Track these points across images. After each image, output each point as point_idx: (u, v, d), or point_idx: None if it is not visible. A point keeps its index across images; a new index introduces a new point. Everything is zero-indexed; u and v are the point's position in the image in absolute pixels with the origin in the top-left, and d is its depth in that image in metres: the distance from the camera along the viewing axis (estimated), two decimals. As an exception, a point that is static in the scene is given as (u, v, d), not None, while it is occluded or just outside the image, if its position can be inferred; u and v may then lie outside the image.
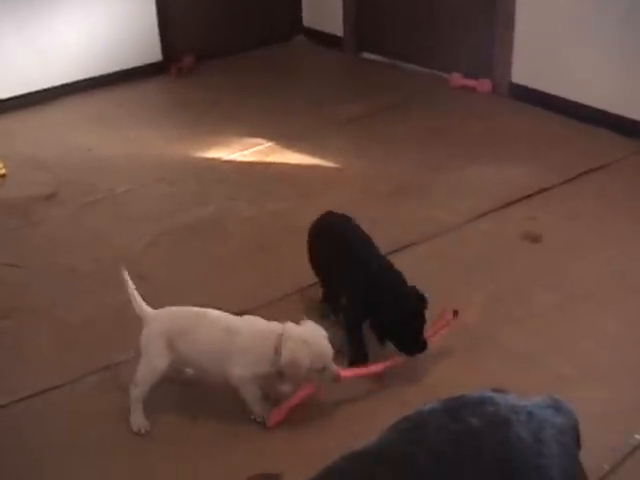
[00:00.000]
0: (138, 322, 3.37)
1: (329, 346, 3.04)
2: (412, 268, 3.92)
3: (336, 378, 3.03)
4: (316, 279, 3.74)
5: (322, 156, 5.15)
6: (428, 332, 3.28)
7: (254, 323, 3.16)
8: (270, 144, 5.37)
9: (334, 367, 3.03)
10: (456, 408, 1.99)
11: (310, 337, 3.05)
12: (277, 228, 4.38)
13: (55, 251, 4.38)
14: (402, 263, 3.96)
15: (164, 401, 3.05)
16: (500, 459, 1.90)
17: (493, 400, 2.00)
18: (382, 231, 4.23)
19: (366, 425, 2.88)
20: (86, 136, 5.72)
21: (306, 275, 3.86)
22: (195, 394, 3.23)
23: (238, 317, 3.16)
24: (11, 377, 3.46)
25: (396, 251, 4.07)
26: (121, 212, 4.70)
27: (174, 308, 3.21)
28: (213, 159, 5.24)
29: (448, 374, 3.28)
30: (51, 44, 6.22)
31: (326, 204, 4.51)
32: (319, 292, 3.71)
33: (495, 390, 2.08)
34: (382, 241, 4.12)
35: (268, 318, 3.61)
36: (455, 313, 3.36)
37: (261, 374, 3.03)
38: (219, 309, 3.18)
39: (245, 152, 5.29)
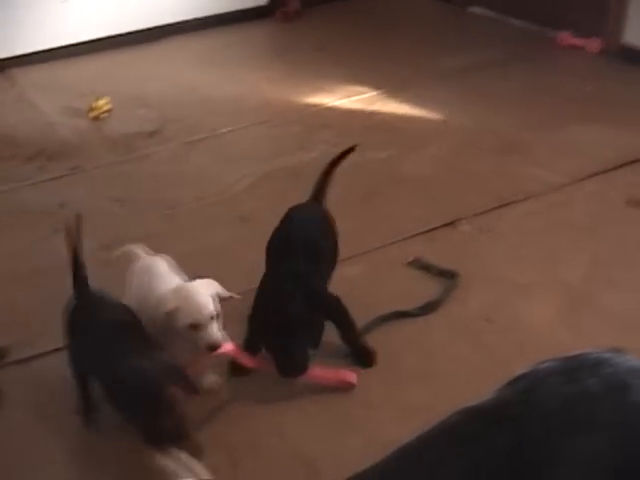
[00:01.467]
0: (238, 262, 3.42)
1: (206, 302, 2.75)
2: (515, 225, 3.93)
3: (211, 343, 2.73)
4: (416, 231, 3.81)
5: (426, 107, 5.11)
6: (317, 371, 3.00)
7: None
8: (374, 93, 5.35)
9: (212, 332, 2.73)
10: (573, 368, 1.95)
11: (188, 287, 2.83)
12: (380, 177, 4.38)
13: (157, 187, 4.47)
14: (505, 220, 3.97)
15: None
16: (614, 425, 1.85)
17: (611, 361, 1.94)
18: (485, 186, 4.23)
19: (467, 383, 2.94)
20: (191, 75, 5.78)
21: (407, 227, 3.88)
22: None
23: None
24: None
25: (499, 207, 4.05)
26: (224, 152, 4.75)
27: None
28: (317, 104, 5.25)
29: (548, 333, 3.24)
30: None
31: (429, 155, 4.54)
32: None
33: (613, 350, 2.03)
34: (485, 197, 4.12)
35: (365, 267, 3.67)
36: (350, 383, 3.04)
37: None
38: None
39: (349, 99, 5.29)
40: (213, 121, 5.07)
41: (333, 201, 4.14)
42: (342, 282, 3.49)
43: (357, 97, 5.31)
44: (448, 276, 3.54)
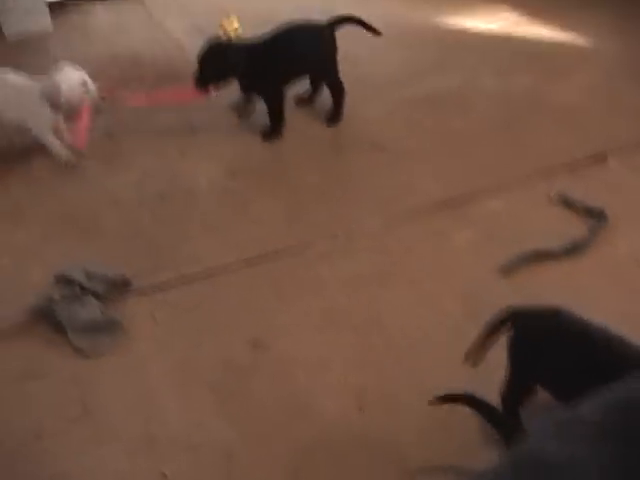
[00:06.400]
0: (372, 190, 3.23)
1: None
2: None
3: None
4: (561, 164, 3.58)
5: (575, 32, 4.77)
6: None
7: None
8: (519, 15, 5.04)
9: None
10: None
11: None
12: (523, 105, 4.11)
13: (288, 110, 4.26)
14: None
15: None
16: None
17: None
18: (638, 119, 3.91)
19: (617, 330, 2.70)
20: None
21: (551, 159, 3.64)
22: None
23: None
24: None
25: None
26: (357, 74, 4.51)
27: None
28: (456, 26, 4.99)
29: None
30: None
31: (576, 84, 4.27)
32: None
33: None
34: (638, 131, 3.79)
35: (505, 201, 3.44)
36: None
37: None
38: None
39: (490, 21, 5.00)
40: (346, 44, 4.83)
41: (472, 128, 3.93)
42: (482, 216, 3.37)
43: (499, 19, 5.01)
44: (595, 214, 3.28)
